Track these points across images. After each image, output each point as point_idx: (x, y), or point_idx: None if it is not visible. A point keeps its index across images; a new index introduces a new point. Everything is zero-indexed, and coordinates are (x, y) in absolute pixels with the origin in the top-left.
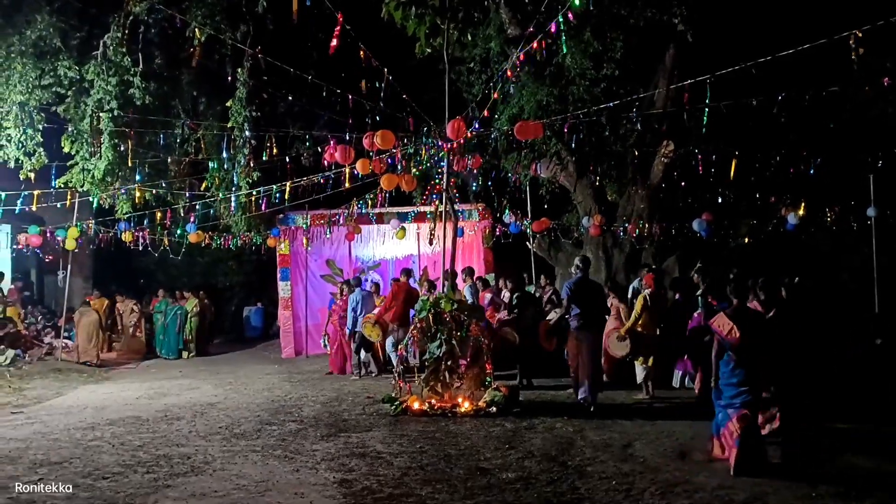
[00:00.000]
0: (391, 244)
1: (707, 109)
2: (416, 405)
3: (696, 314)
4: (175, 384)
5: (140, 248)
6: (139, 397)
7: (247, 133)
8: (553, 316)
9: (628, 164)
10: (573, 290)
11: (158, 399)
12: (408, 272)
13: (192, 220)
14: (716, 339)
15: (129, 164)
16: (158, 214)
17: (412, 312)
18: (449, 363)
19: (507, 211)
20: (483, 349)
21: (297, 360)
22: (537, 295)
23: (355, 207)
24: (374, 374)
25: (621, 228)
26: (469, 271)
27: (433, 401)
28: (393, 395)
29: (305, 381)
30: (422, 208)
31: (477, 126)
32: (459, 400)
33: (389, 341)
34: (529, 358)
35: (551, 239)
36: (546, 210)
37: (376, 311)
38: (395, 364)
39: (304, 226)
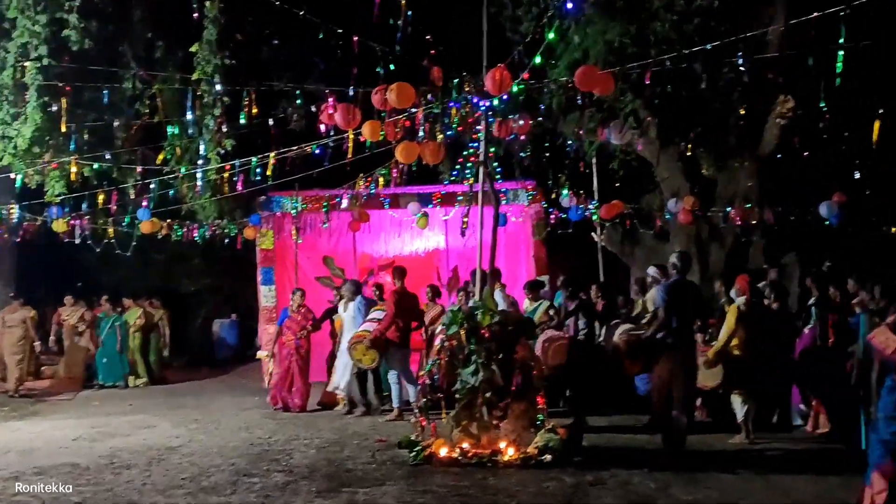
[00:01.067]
0: (410, 236)
1: (841, 52)
2: (443, 451)
3: (806, 330)
4: (124, 421)
5: (77, 241)
6: (77, 438)
7: (217, 87)
8: (624, 328)
9: (731, 127)
10: (670, 295)
11: (102, 441)
12: (400, 272)
13: (144, 203)
14: (876, 359)
15: (63, 130)
16: (101, 197)
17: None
18: (487, 396)
19: (565, 191)
20: (533, 377)
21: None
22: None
23: (362, 187)
24: (355, 414)
25: (721, 214)
26: (495, 274)
27: (466, 445)
28: (413, 437)
29: (296, 419)
30: (451, 188)
31: (526, 77)
32: (501, 445)
33: (390, 371)
34: (584, 387)
35: (625, 229)
36: (618, 190)
37: (367, 326)
38: (400, 395)
39: (294, 211)
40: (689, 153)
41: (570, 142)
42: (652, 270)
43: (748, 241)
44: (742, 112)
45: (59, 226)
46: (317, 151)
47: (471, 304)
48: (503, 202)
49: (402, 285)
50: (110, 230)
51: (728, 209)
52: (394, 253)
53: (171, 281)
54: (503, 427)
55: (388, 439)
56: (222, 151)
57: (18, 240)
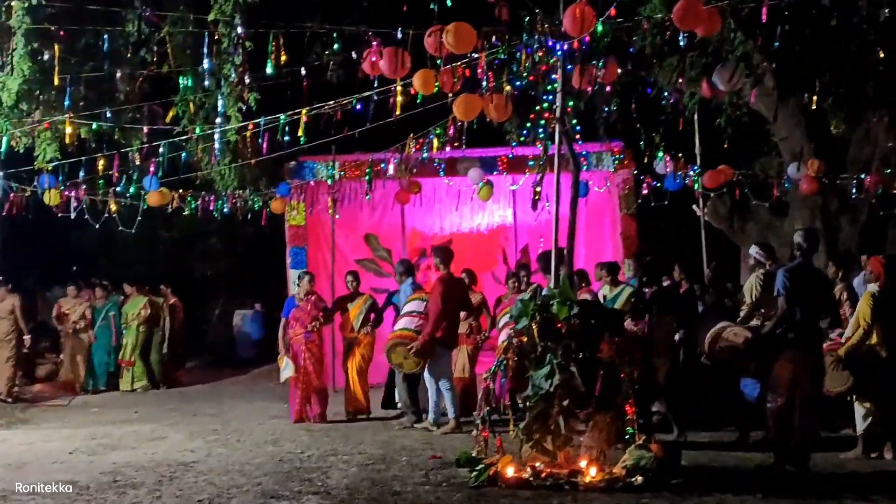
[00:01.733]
0: (470, 210)
1: None
2: (510, 471)
3: None
4: (129, 431)
5: (73, 215)
6: (74, 451)
7: (238, 30)
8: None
9: (867, 74)
10: (792, 281)
11: (104, 454)
12: (444, 254)
13: (152, 170)
14: None
15: (56, 83)
16: (101, 163)
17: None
18: (565, 403)
19: (660, 155)
20: (622, 381)
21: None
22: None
23: (412, 150)
24: (405, 424)
25: (854, 182)
26: (543, 258)
27: (539, 464)
28: (474, 453)
29: (333, 430)
30: (520, 151)
31: (612, 14)
32: (582, 464)
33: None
34: (685, 394)
35: (734, 200)
36: (726, 153)
37: (404, 323)
38: (440, 404)
39: (330, 179)
40: (813, 107)
41: (666, 93)
42: (754, 251)
43: (888, 216)
44: (881, 56)
45: (50, 197)
46: (358, 107)
47: (545, 291)
48: (584, 168)
49: (447, 271)
50: (111, 203)
51: (862, 175)
52: (450, 230)
53: (183, 264)
54: (584, 441)
55: (443, 455)
56: (244, 108)
57: (3, 214)
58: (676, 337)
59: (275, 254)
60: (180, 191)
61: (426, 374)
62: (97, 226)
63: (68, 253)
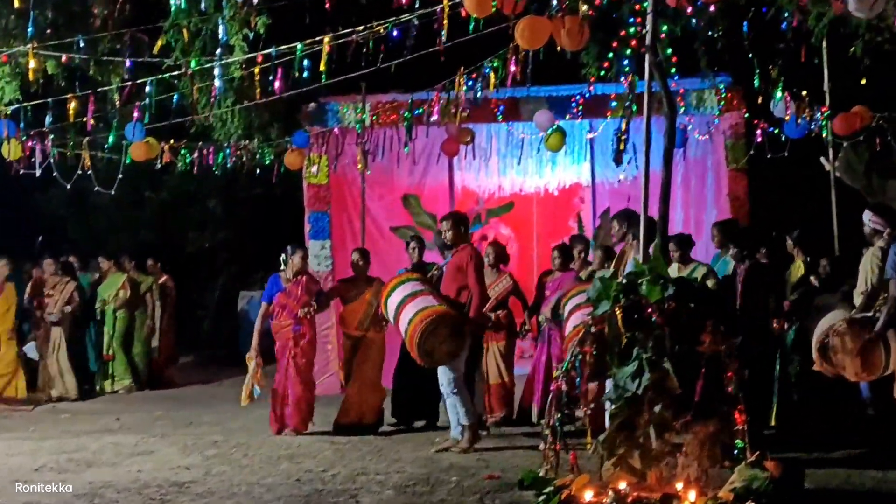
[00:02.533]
0: (536, 164)
1: None
2: (588, 495)
3: None
4: (107, 444)
5: (38, 172)
6: (41, 468)
7: None
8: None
9: None
10: None
11: (77, 472)
12: (456, 221)
13: (136, 116)
14: None
15: (16, 5)
16: (73, 106)
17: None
18: (657, 410)
19: (778, 93)
20: (729, 382)
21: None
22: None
23: (462, 87)
24: (483, 433)
25: None
26: (684, 244)
27: (624, 485)
28: (541, 473)
29: (364, 444)
30: (600, 89)
31: None
32: (678, 486)
33: (446, 374)
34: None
35: (874, 151)
36: (863, 91)
37: (417, 305)
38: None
39: (359, 126)
40: None
41: (786, 14)
42: (868, 217)
43: None
44: None
45: (10, 150)
46: (394, 34)
47: (629, 268)
48: (681, 111)
49: (466, 244)
50: (85, 157)
51: None
52: (511, 189)
53: (175, 235)
54: (681, 458)
55: (502, 475)
56: (251, 36)
57: None
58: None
59: (290, 221)
60: (171, 141)
61: (445, 371)
62: (68, 185)
63: (32, 218)
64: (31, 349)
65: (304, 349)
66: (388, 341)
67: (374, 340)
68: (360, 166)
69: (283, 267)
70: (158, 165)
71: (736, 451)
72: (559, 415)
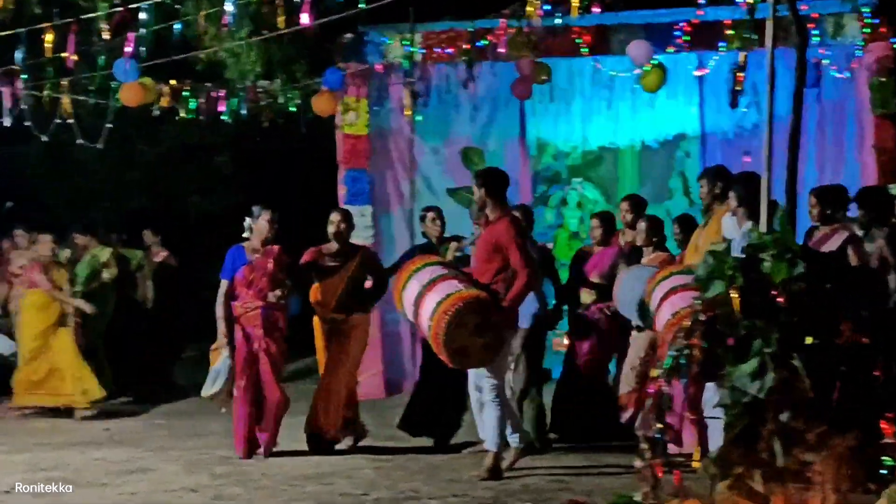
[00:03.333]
0: (631, 107)
1: None
2: None
3: None
4: (92, 460)
5: (7, 122)
6: (11, 490)
7: None
8: None
9: None
10: None
11: (58, 495)
12: (490, 180)
13: (128, 51)
14: None
15: None
16: (49, 38)
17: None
18: (784, 418)
19: None
20: (872, 383)
21: (391, 406)
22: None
23: (537, 13)
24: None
25: None
26: (633, 205)
27: None
28: (637, 497)
29: (412, 461)
30: (711, 14)
31: None
32: None
33: (484, 381)
34: None
35: None
36: None
37: (441, 291)
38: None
39: (406, 62)
40: None
41: None
42: None
43: None
44: None
45: None
46: None
47: (748, 238)
48: (814, 40)
49: (501, 212)
50: (65, 102)
51: None
52: (598, 140)
53: (174, 198)
54: (814, 478)
55: (587, 500)
56: None
57: None
58: None
59: (320, 182)
60: (171, 82)
61: (481, 376)
62: (43, 138)
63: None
64: (2, 342)
65: (276, 342)
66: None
67: (355, 327)
68: (407, 112)
69: (246, 234)
70: (155, 112)
71: (883, 471)
72: (660, 425)
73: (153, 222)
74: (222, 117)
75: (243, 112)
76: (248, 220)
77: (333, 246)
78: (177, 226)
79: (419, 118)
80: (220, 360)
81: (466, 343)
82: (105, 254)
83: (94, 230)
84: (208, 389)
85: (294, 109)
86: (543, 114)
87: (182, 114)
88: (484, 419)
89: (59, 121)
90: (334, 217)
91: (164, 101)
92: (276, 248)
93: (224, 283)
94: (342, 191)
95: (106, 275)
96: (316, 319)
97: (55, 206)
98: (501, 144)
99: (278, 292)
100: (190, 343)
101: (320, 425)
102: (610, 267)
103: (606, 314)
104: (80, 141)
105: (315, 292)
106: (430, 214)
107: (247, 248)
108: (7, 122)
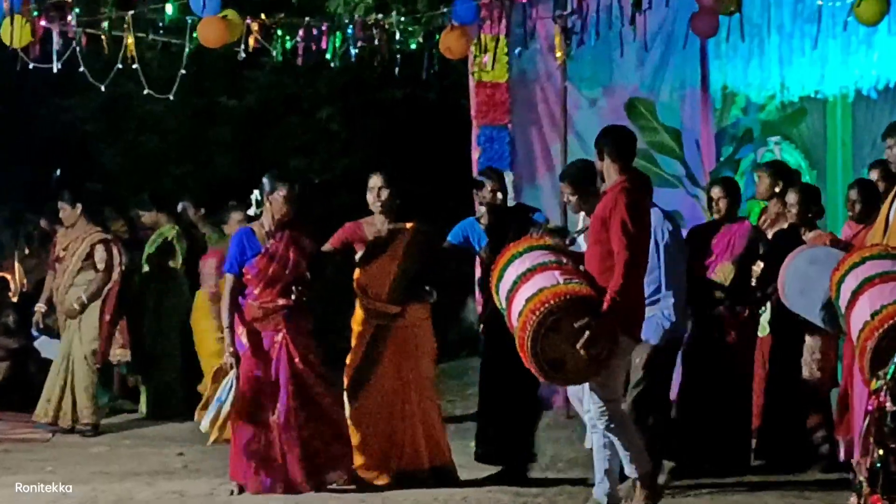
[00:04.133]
0: (841, 46)
1: None
2: None
3: None
4: (167, 493)
5: (55, 66)
6: None
7: None
8: None
9: None
10: None
11: None
12: (617, 137)
13: None
14: None
15: None
16: None
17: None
18: None
19: None
20: None
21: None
22: None
23: None
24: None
25: None
26: (774, 173)
27: None
28: None
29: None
30: None
31: None
32: None
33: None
34: None
35: None
36: None
37: (535, 284)
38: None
39: None
40: None
41: None
42: None
43: None
44: None
45: (13, 31)
46: None
47: None
48: None
49: (631, 171)
50: (129, 42)
51: None
52: (801, 90)
53: (267, 161)
54: None
55: None
56: None
57: None
58: None
59: (449, 141)
60: (261, 16)
61: (584, 394)
62: (102, 87)
63: (45, 141)
64: (45, 345)
65: (305, 346)
66: None
67: (416, 326)
68: (558, 54)
69: (254, 210)
70: (241, 55)
71: None
72: (881, 451)
73: (241, 192)
74: (326, 61)
75: (352, 54)
76: (255, 194)
77: (378, 218)
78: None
79: (573, 62)
80: (224, 383)
81: (563, 353)
82: (173, 234)
83: (163, 203)
84: (210, 420)
85: (415, 49)
86: (731, 56)
87: (274, 56)
88: (595, 448)
89: (120, 66)
90: (375, 181)
91: (252, 41)
92: (288, 235)
93: (230, 279)
94: (476, 153)
95: (172, 262)
96: (356, 318)
97: (117, 171)
98: (677, 95)
99: (300, 288)
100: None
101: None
102: (746, 252)
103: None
104: (147, 91)
105: (357, 281)
106: (490, 184)
107: (256, 232)
108: (56, 67)
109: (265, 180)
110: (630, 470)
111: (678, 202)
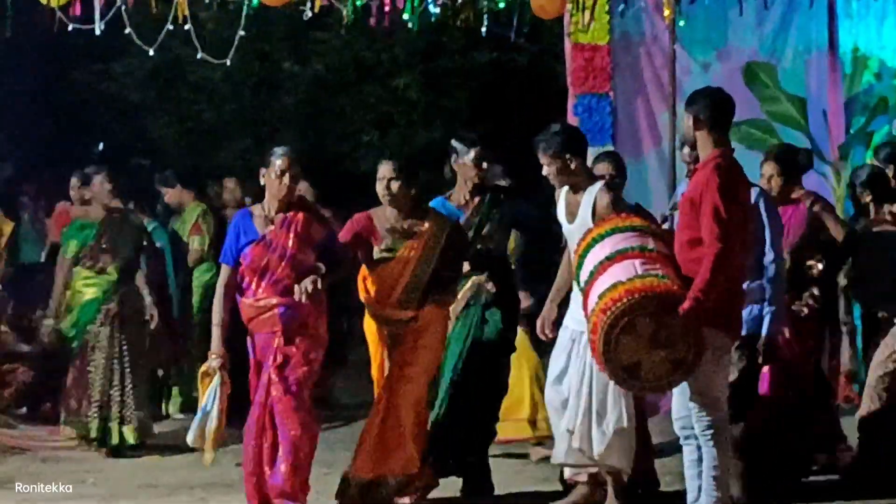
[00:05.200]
0: None
1: None
2: None
3: None
4: None
5: (98, 27)
6: None
7: None
8: None
9: None
10: None
11: None
12: (717, 103)
13: None
14: None
15: None
16: None
17: None
18: None
19: None
20: None
21: None
22: None
23: None
24: None
25: None
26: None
27: None
28: None
29: None
30: None
31: None
32: None
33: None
34: None
35: None
36: None
37: (622, 273)
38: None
39: None
40: None
41: None
42: None
43: None
44: None
45: None
46: None
47: None
48: None
49: (725, 143)
50: None
51: None
52: None
53: (337, 134)
54: None
55: None
56: None
57: None
58: None
59: (543, 110)
60: None
61: (682, 408)
62: (150, 51)
63: (86, 111)
64: None
65: (304, 351)
66: None
67: (427, 328)
68: (666, 13)
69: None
70: (307, 14)
71: None
72: None
73: (310, 168)
74: (403, 21)
75: (432, 13)
76: (263, 171)
77: (389, 212)
78: (343, 173)
79: (682, 22)
80: (209, 390)
81: (639, 357)
82: (198, 212)
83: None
84: (195, 434)
85: (503, 7)
86: (863, 14)
87: (344, 15)
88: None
89: (170, 27)
90: (384, 170)
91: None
92: (300, 215)
93: (225, 270)
94: (574, 124)
95: (196, 243)
96: (368, 321)
97: (167, 145)
98: (801, 59)
99: (308, 284)
100: (357, 344)
101: (362, 470)
102: (801, 237)
103: (812, 304)
104: (201, 55)
105: (366, 283)
106: (607, 166)
107: (255, 216)
108: (99, 28)
109: (275, 154)
110: (708, 499)
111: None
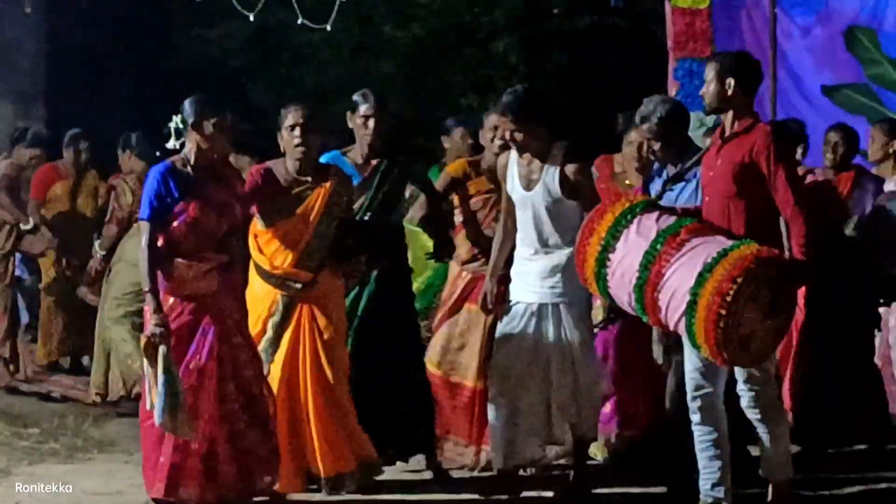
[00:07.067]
0: None
1: None
2: None
3: None
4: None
5: None
6: None
7: None
8: None
9: None
10: None
11: None
12: (747, 68)
13: None
14: None
15: None
16: None
17: None
18: None
19: None
20: None
21: None
22: None
23: None
24: None
25: None
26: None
27: None
28: None
29: None
30: None
31: None
32: None
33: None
34: None
35: None
36: None
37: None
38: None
39: None
40: None
41: None
42: None
43: None
44: None
45: None
46: None
47: None
48: None
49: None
50: None
51: None
52: None
53: (438, 98)
54: None
55: None
56: None
57: None
58: None
59: (644, 74)
60: None
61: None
62: (250, 16)
63: (183, 76)
64: None
65: (235, 317)
66: None
67: (331, 291)
68: None
69: (173, 143)
70: None
71: None
72: None
73: (407, 133)
74: None
75: None
76: (175, 121)
77: (290, 166)
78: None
79: None
80: (160, 363)
81: (755, 327)
82: None
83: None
84: (165, 418)
85: None
86: None
87: None
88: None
89: None
90: (289, 119)
91: None
92: (225, 170)
93: (146, 228)
94: (673, 89)
95: None
96: (257, 286)
97: (268, 110)
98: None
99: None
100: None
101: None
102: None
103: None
104: (301, 21)
105: (259, 244)
106: (460, 130)
107: (179, 164)
108: None
109: (186, 105)
110: (768, 471)
111: None
